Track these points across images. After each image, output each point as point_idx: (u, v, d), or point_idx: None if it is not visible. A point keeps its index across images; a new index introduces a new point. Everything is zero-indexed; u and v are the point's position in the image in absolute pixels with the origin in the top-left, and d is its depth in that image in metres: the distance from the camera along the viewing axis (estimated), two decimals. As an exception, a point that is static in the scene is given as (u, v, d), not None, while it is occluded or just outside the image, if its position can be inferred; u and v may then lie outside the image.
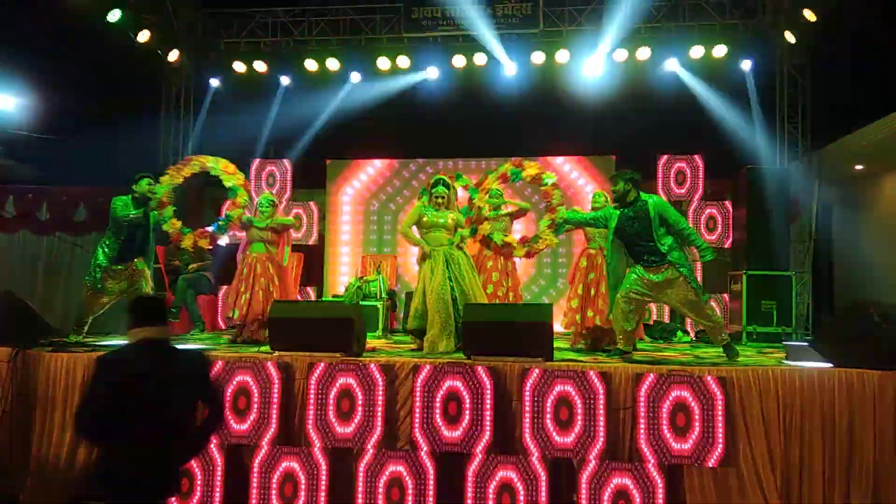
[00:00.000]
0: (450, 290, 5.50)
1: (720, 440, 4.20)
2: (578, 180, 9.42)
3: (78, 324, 5.72)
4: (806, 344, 5.11)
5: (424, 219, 5.73)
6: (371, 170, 9.85)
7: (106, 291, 5.66)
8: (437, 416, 4.41)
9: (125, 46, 8.55)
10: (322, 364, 4.56)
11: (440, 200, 5.76)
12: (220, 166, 6.10)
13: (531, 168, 5.57)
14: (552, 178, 5.57)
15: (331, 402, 4.50)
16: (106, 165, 9.60)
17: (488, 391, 4.39)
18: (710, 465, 4.20)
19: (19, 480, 4.69)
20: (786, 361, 5.04)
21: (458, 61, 9.16)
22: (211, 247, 6.16)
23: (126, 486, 2.67)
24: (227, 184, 6.17)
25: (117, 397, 2.65)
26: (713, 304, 5.17)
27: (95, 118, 9.38)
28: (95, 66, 8.82)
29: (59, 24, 8.08)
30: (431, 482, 4.34)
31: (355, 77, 9.59)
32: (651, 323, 7.75)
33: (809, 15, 7.84)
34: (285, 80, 9.69)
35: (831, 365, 4.45)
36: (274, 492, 4.44)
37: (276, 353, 4.74)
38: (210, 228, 6.07)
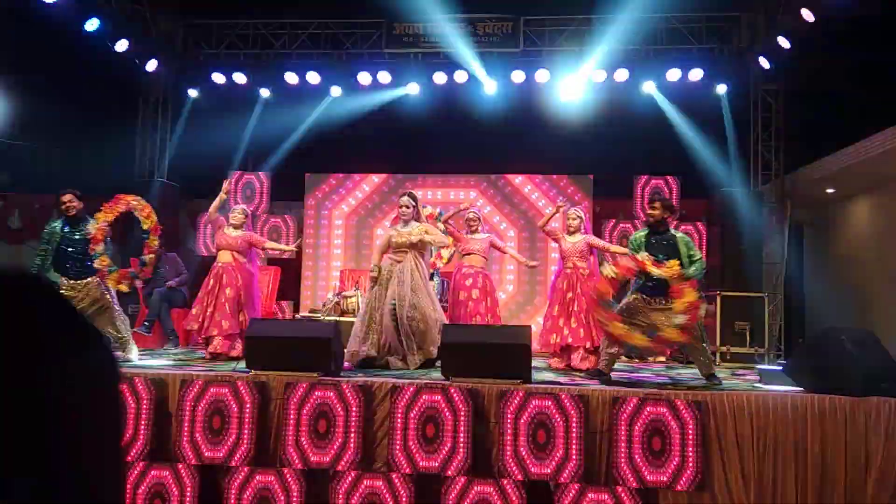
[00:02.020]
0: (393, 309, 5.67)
1: (695, 464, 4.24)
2: (557, 198, 9.47)
3: None
4: (779, 368, 5.20)
5: (392, 241, 5.84)
6: (350, 184, 9.82)
7: None
8: (415, 437, 4.39)
9: (103, 55, 8.44)
10: (299, 384, 4.52)
11: (405, 210, 5.85)
12: (139, 206, 5.90)
13: (609, 272, 4.99)
14: (644, 255, 4.97)
15: (307, 422, 4.46)
16: (82, 174, 9.48)
17: (466, 413, 4.38)
18: (685, 488, 4.23)
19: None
20: (759, 385, 5.13)
21: (439, 78, 9.20)
22: (128, 291, 6.04)
23: None
24: (144, 226, 5.95)
25: None
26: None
27: (71, 126, 9.26)
28: (72, 74, 8.70)
29: (37, 30, 7.95)
30: (408, 505, 4.31)
31: (335, 91, 9.59)
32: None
33: (783, 42, 8.03)
34: (265, 93, 9.66)
35: (803, 390, 4.53)
36: (248, 514, 4.38)
37: (253, 373, 4.69)
38: (129, 272, 5.93)
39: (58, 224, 5.67)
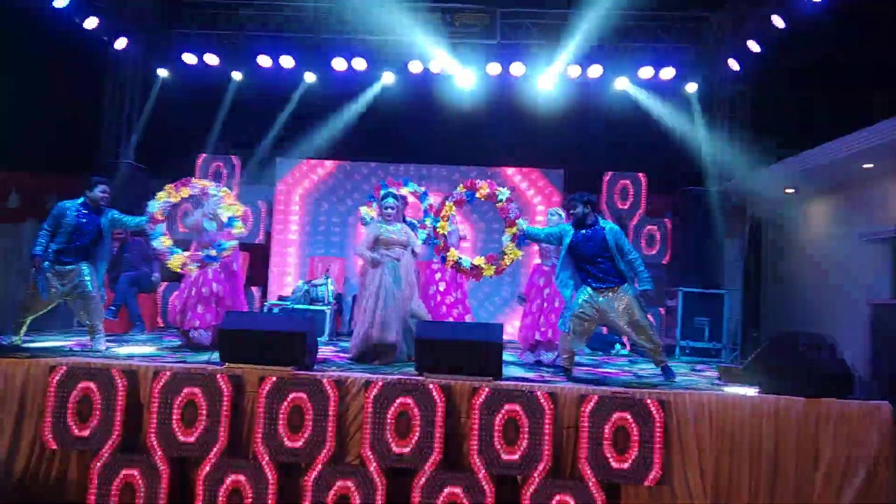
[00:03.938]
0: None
1: (657, 460, 4.42)
2: (528, 191, 9.61)
3: (17, 324, 5.51)
4: (738, 366, 5.43)
5: (381, 238, 5.84)
6: (321, 170, 9.78)
7: (49, 293, 5.49)
8: (388, 432, 4.48)
9: (70, 31, 8.20)
10: (273, 378, 4.56)
11: (390, 211, 5.90)
12: (220, 193, 5.92)
13: (483, 188, 5.65)
14: (506, 193, 5.64)
15: (281, 416, 4.51)
16: (44, 151, 9.27)
17: (439, 408, 4.48)
18: (647, 483, 4.41)
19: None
20: (718, 383, 5.35)
21: (415, 67, 9.18)
22: (195, 273, 5.97)
23: None
24: (226, 214, 5.97)
25: None
26: (651, 319, 5.39)
27: (34, 102, 9.00)
28: (37, 49, 8.45)
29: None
30: (380, 498, 4.40)
31: (309, 76, 9.50)
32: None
33: (753, 46, 8.22)
34: (237, 75, 9.52)
35: (760, 390, 4.75)
36: (220, 505, 4.42)
37: (227, 365, 4.71)
38: (201, 255, 5.85)
39: (72, 206, 5.54)
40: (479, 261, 5.63)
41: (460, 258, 5.64)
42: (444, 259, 5.69)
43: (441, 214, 5.69)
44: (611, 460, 4.44)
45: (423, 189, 7.43)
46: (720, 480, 4.51)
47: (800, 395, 4.55)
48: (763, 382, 4.78)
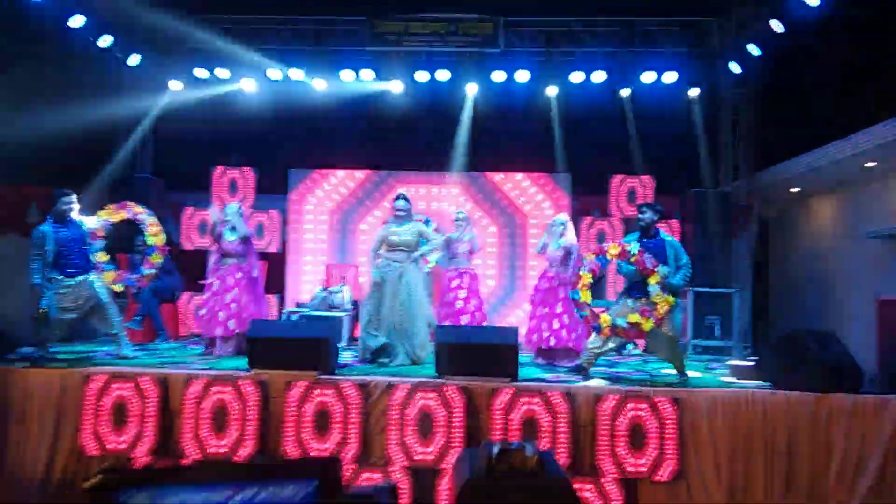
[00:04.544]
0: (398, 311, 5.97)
1: (673, 456, 4.56)
2: (537, 196, 9.75)
3: (39, 341, 5.63)
4: (749, 364, 5.56)
5: (387, 239, 6.09)
6: (334, 179, 9.95)
7: (63, 308, 5.65)
8: (411, 432, 4.64)
9: (85, 48, 8.43)
10: (299, 382, 4.73)
11: (401, 213, 6.12)
12: (147, 221, 6.20)
13: (613, 248, 5.45)
14: (636, 246, 5.41)
15: (308, 419, 4.68)
16: (62, 165, 9.46)
17: (459, 409, 4.64)
18: (664, 479, 4.56)
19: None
20: (729, 380, 5.48)
21: (422, 76, 9.36)
22: (121, 290, 6.26)
23: None
24: (149, 241, 6.27)
25: None
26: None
27: (51, 118, 9.20)
28: (53, 66, 8.66)
29: (18, 23, 7.90)
30: (405, 496, 4.55)
31: (319, 85, 9.67)
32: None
33: (753, 49, 8.37)
34: (248, 87, 9.71)
35: (772, 386, 4.88)
36: (251, 507, 4.58)
37: (254, 371, 4.88)
38: (126, 277, 6.17)
39: (46, 226, 5.68)
40: (635, 318, 5.33)
41: (616, 320, 5.36)
42: (598, 329, 5.44)
43: (580, 286, 5.46)
44: (627, 457, 4.59)
45: (424, 217, 7.70)
46: (735, 475, 4.64)
47: (811, 390, 4.68)
48: (774, 378, 4.91)
